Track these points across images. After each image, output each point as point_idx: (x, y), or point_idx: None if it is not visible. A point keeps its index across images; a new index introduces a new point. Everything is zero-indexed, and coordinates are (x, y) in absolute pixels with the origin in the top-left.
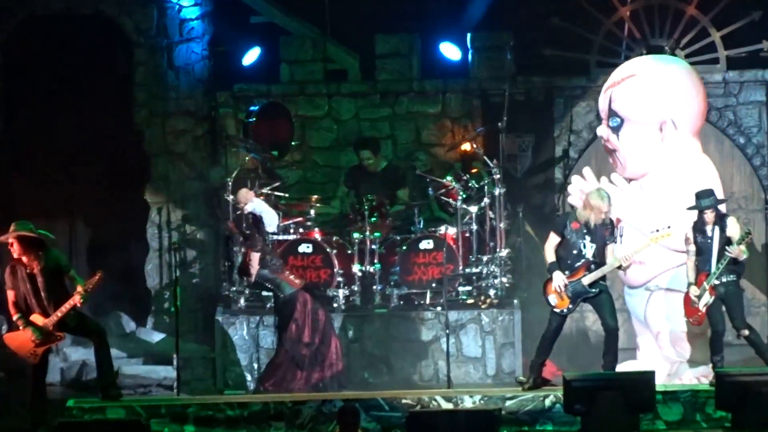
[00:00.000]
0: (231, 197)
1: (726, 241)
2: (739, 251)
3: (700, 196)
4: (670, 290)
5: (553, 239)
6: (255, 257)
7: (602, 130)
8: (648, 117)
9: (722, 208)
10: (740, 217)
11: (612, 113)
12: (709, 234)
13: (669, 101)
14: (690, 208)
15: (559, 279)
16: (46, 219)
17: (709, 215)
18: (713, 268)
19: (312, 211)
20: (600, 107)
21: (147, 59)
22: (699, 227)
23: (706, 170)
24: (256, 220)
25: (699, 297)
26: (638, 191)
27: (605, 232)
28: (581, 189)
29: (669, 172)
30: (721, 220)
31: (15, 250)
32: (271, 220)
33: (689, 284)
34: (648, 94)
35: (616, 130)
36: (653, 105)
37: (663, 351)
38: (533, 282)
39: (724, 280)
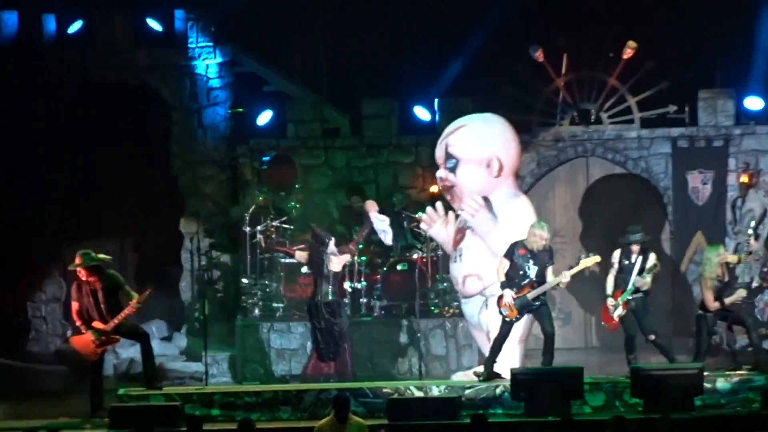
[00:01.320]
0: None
1: (642, 269)
2: (643, 282)
3: (630, 231)
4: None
5: (504, 263)
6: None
7: (441, 173)
8: (478, 156)
9: None
10: (651, 247)
11: (449, 156)
12: (633, 260)
13: (493, 143)
14: (621, 239)
15: (508, 295)
16: (104, 244)
17: (635, 246)
18: (629, 286)
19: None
20: (437, 155)
21: (181, 120)
22: (626, 252)
23: (523, 204)
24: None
25: (615, 308)
26: (471, 219)
27: (545, 257)
28: (432, 218)
29: (495, 203)
30: (645, 251)
31: (81, 274)
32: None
33: (606, 296)
34: (477, 137)
35: (452, 170)
36: (481, 146)
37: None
38: (489, 294)
39: (635, 296)
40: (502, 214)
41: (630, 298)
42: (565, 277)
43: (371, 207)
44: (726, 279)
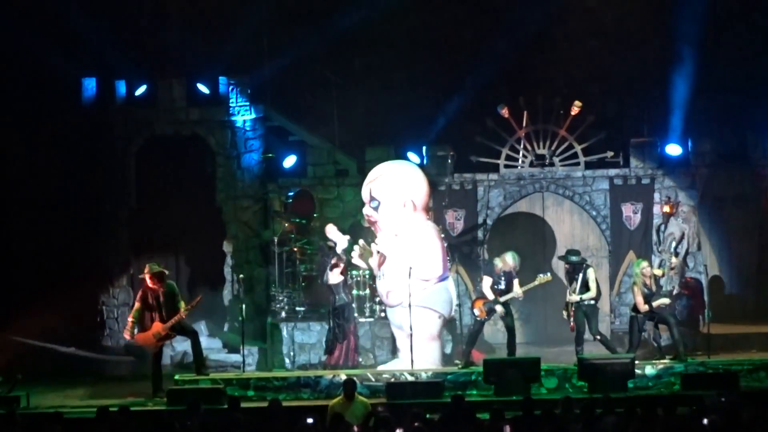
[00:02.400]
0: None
1: (584, 283)
2: (569, 297)
3: (570, 252)
4: (421, 307)
5: (487, 280)
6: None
7: (367, 210)
8: (395, 197)
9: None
10: (594, 262)
11: (372, 198)
12: (575, 277)
13: (407, 187)
14: (560, 258)
15: (480, 301)
16: (163, 259)
17: (571, 266)
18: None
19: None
20: (363, 196)
21: (224, 163)
22: (570, 272)
23: (431, 231)
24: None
25: (567, 314)
26: (391, 248)
27: (511, 277)
28: (360, 251)
29: (409, 234)
30: (584, 270)
31: (148, 282)
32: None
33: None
34: (394, 183)
35: (375, 209)
36: (398, 189)
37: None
38: (464, 301)
39: (586, 303)
40: (417, 239)
41: (579, 304)
42: (519, 293)
43: (330, 230)
44: (653, 288)
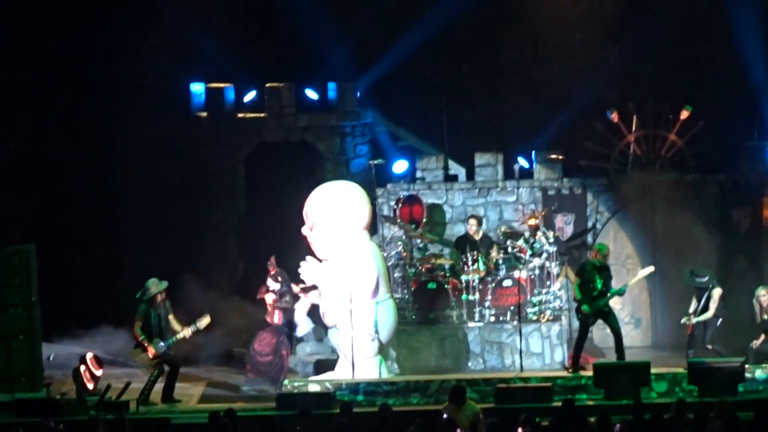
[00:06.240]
0: None
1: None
2: (686, 320)
3: (695, 275)
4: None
5: (576, 279)
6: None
7: (305, 230)
8: (331, 218)
9: None
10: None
11: (309, 218)
12: (699, 297)
13: (345, 208)
14: (686, 280)
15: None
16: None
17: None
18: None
19: (436, 262)
20: (304, 214)
21: (333, 169)
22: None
23: (370, 250)
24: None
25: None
26: (327, 265)
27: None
28: (307, 268)
29: (343, 255)
30: (710, 290)
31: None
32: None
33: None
34: (327, 204)
35: (311, 228)
36: (335, 210)
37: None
38: (573, 305)
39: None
40: (355, 259)
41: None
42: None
43: (271, 268)
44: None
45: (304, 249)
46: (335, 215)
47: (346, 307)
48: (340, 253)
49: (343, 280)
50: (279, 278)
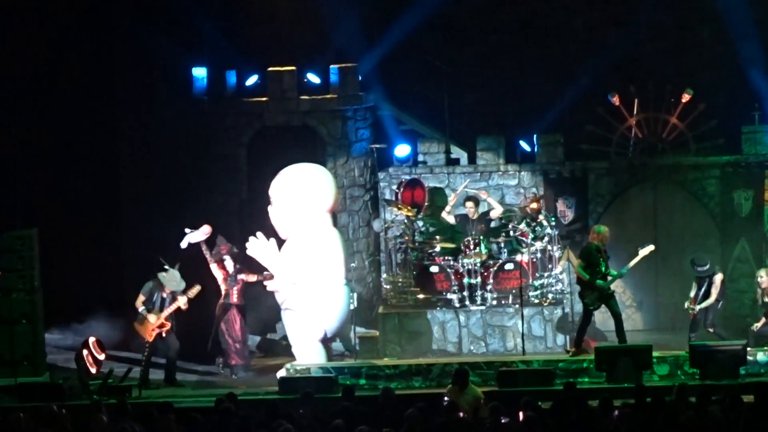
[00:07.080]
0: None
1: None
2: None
3: (696, 263)
4: (299, 311)
5: (581, 263)
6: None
7: (271, 210)
8: (292, 199)
9: None
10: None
11: (271, 198)
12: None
13: (307, 189)
14: (689, 268)
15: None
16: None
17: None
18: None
19: (437, 246)
20: (270, 197)
21: (335, 152)
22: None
23: (333, 236)
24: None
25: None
26: (288, 247)
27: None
28: (255, 244)
29: (300, 238)
30: (711, 277)
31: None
32: None
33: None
34: (294, 185)
35: (275, 210)
36: (296, 192)
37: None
38: (575, 289)
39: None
40: (316, 244)
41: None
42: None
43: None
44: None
45: None
46: (298, 196)
47: (299, 288)
48: (300, 234)
49: (299, 261)
50: (231, 254)
